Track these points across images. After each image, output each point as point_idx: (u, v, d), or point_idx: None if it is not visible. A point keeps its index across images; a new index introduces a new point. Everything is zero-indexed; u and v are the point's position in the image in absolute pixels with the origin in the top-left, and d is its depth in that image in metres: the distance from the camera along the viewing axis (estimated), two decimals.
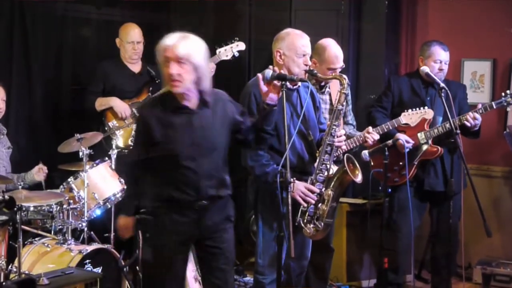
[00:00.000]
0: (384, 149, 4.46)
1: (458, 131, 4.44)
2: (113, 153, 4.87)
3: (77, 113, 5.57)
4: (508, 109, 4.89)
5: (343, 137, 4.05)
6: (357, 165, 4.09)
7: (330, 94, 4.69)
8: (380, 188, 5.01)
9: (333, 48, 4.57)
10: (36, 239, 4.41)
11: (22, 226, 3.98)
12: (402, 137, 4.71)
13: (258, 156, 3.87)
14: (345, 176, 4.00)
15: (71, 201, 4.49)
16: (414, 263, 5.06)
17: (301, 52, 3.93)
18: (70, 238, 4.40)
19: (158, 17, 6.26)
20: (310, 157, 4.02)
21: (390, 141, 4.59)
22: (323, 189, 3.96)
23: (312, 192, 3.92)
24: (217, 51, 5.14)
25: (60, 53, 5.75)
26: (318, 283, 4.78)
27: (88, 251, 4.23)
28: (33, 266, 4.19)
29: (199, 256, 3.68)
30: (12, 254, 4.10)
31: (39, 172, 4.69)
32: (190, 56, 3.31)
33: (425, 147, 4.83)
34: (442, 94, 4.37)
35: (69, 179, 4.60)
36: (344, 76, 4.04)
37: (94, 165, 4.67)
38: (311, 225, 3.96)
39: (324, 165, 3.97)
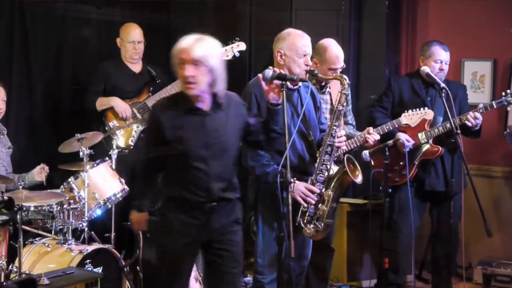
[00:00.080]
0: (385, 149, 4.46)
1: (459, 131, 4.45)
2: (114, 153, 4.87)
3: (77, 113, 5.56)
4: (509, 108, 4.89)
5: (344, 138, 4.05)
6: (357, 165, 4.09)
7: (330, 94, 4.69)
8: (380, 188, 5.01)
9: (334, 48, 4.57)
10: (37, 239, 4.41)
11: (23, 226, 3.98)
12: (402, 137, 4.71)
13: (259, 156, 3.87)
14: (345, 177, 4.00)
15: (72, 201, 4.49)
16: (415, 263, 5.07)
17: (302, 52, 3.93)
18: (70, 238, 4.40)
19: (158, 17, 6.27)
20: (310, 157, 4.02)
21: (390, 141, 4.59)
22: (323, 190, 3.96)
23: (312, 192, 3.92)
24: None
25: (60, 53, 5.75)
26: (319, 283, 4.78)
27: (89, 251, 4.23)
28: (34, 266, 4.19)
29: (207, 260, 3.62)
30: (12, 254, 4.10)
31: (41, 172, 4.69)
32: (205, 58, 3.31)
33: (425, 147, 4.83)
34: (443, 94, 4.38)
35: (69, 179, 4.60)
36: (345, 76, 4.04)
37: (95, 165, 4.67)
38: (311, 226, 3.96)
39: (324, 166, 3.97)
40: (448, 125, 4.65)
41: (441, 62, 4.86)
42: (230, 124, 3.46)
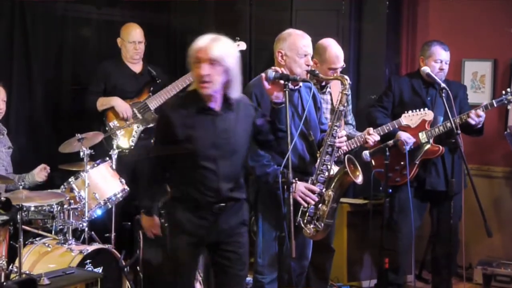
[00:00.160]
0: (385, 149, 4.46)
1: (459, 131, 4.45)
2: (114, 153, 4.87)
3: (77, 113, 5.56)
4: (509, 107, 4.89)
5: (344, 138, 4.05)
6: (358, 166, 4.09)
7: (330, 94, 4.69)
8: (381, 188, 5.01)
9: (334, 48, 4.57)
10: (37, 239, 4.41)
11: (23, 226, 3.97)
12: (403, 135, 4.72)
13: (259, 157, 3.87)
14: (345, 177, 4.00)
15: (72, 201, 4.49)
16: (415, 263, 5.07)
17: (302, 52, 3.93)
18: (70, 238, 4.40)
19: (158, 17, 6.27)
20: (311, 158, 4.02)
21: (391, 141, 4.59)
22: (324, 190, 3.96)
23: (312, 191, 3.92)
24: None
25: (60, 53, 5.75)
26: (319, 283, 4.78)
27: (89, 251, 4.23)
28: (34, 266, 4.19)
29: (213, 261, 3.60)
30: (12, 254, 4.10)
31: (42, 172, 4.69)
32: (222, 58, 3.32)
33: (426, 146, 4.83)
34: (443, 95, 4.38)
35: (70, 179, 4.60)
36: (346, 77, 4.04)
37: (95, 165, 4.67)
38: (311, 226, 3.96)
39: (325, 166, 3.97)
40: (448, 124, 4.65)
41: (441, 61, 4.86)
42: (239, 125, 3.47)
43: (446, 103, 4.40)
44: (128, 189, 4.80)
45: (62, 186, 4.61)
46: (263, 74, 3.65)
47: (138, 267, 4.64)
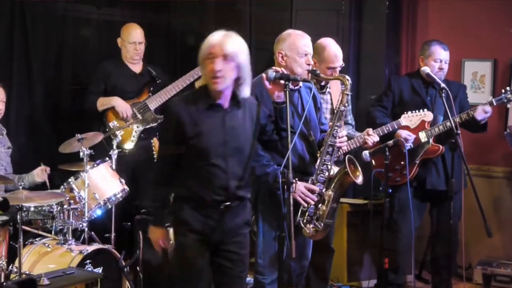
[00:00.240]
0: (385, 149, 4.46)
1: (459, 131, 4.45)
2: (114, 153, 4.87)
3: (77, 113, 5.56)
4: (509, 105, 4.89)
5: (345, 138, 4.05)
6: (358, 166, 4.08)
7: (330, 94, 4.70)
8: (381, 188, 5.01)
9: (333, 47, 4.57)
10: (37, 239, 4.41)
11: (23, 227, 3.97)
12: (403, 133, 4.73)
13: (259, 157, 3.86)
14: (345, 177, 4.00)
15: (72, 201, 4.49)
16: (415, 264, 5.07)
17: (302, 51, 3.93)
18: (70, 238, 4.40)
19: (158, 17, 6.27)
20: (311, 158, 4.02)
21: (391, 141, 4.59)
22: (324, 190, 3.96)
23: (312, 191, 3.91)
24: None
25: (60, 53, 5.75)
26: (319, 283, 4.78)
27: (89, 251, 4.23)
28: (34, 266, 4.19)
29: (215, 262, 3.50)
30: (12, 254, 4.10)
31: (42, 173, 4.69)
32: (235, 54, 3.31)
33: (426, 145, 4.83)
34: (443, 95, 4.38)
35: (69, 179, 4.60)
36: (347, 77, 4.03)
37: (95, 165, 4.67)
38: (311, 225, 3.96)
39: (325, 166, 3.97)
40: (448, 123, 4.65)
41: (441, 61, 4.86)
42: (246, 123, 3.46)
43: (446, 103, 4.40)
44: (128, 189, 4.80)
45: (62, 186, 4.60)
46: (263, 75, 3.66)
47: (138, 267, 4.64)
